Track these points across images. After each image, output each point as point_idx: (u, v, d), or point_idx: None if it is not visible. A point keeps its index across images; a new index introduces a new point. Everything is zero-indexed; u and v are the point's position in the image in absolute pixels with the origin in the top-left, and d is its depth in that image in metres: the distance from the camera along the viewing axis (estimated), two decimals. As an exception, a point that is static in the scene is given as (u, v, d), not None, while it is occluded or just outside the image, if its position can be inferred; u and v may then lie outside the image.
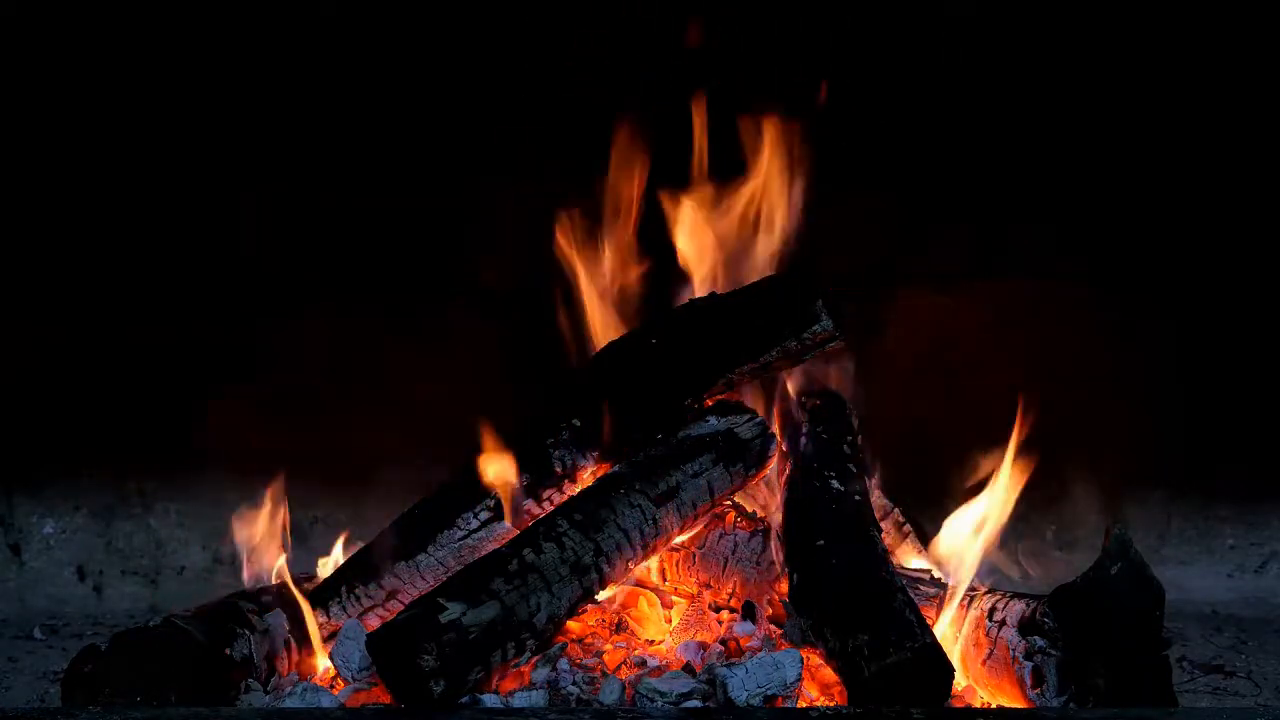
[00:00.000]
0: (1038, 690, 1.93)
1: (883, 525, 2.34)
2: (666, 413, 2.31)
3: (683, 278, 2.56)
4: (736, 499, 2.39)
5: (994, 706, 2.02)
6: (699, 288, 2.52)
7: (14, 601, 3.08)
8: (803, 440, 2.43)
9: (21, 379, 3.12)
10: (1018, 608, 2.04)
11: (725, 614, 2.28)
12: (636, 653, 2.14)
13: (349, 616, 2.22)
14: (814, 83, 2.72)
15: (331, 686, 2.11)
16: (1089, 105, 3.09)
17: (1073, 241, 3.14)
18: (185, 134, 3.07)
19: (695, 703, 1.93)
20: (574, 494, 2.24)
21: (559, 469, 2.29)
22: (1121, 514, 3.18)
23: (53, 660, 2.60)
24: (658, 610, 2.29)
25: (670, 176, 2.62)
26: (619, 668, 2.09)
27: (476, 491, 2.28)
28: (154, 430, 3.13)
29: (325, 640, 2.22)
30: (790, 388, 2.53)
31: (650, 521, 2.14)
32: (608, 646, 2.15)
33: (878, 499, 2.50)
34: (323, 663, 2.20)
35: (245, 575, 2.33)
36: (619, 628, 2.23)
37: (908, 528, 2.54)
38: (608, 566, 2.09)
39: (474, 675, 1.91)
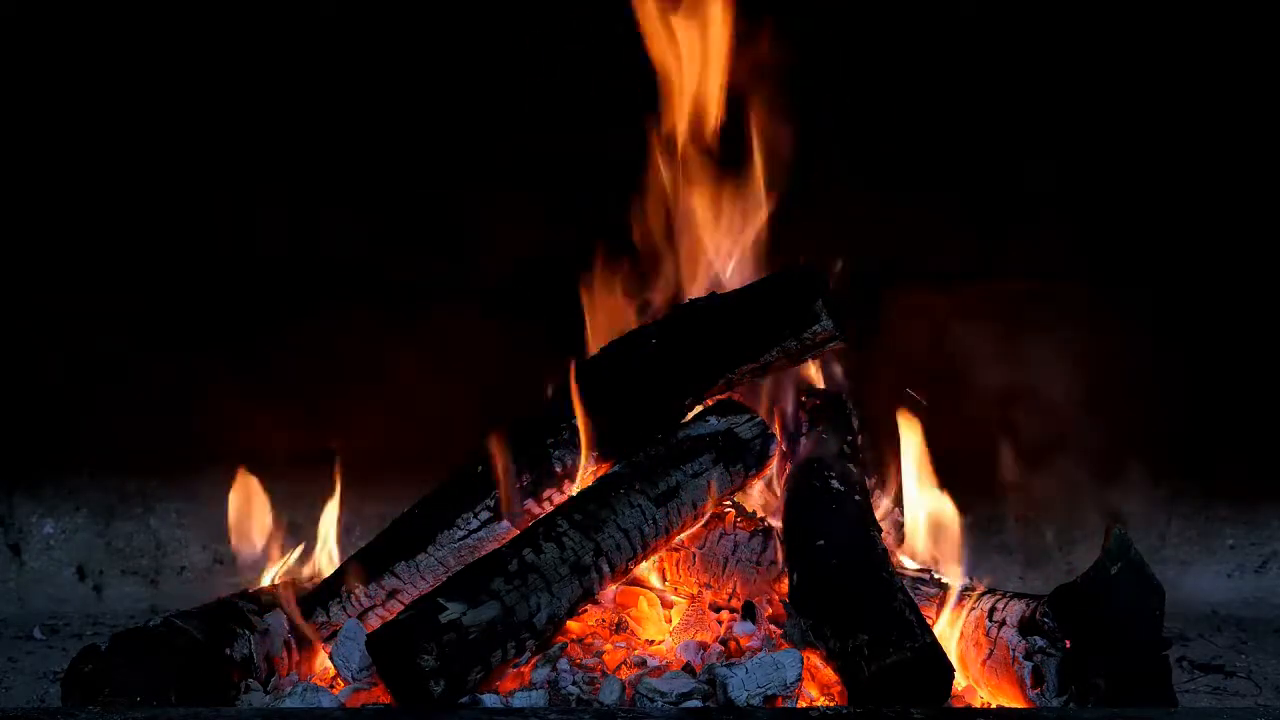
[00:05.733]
0: (1038, 690, 1.93)
1: (883, 525, 2.34)
2: (666, 413, 2.31)
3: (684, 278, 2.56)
4: (736, 499, 2.39)
5: (994, 706, 2.02)
6: (698, 287, 2.53)
7: (14, 601, 3.08)
8: (803, 440, 2.43)
9: (22, 378, 3.12)
10: (1018, 608, 2.04)
11: (725, 614, 2.28)
12: (636, 653, 2.14)
13: (349, 616, 2.22)
14: (815, 83, 2.72)
15: (331, 686, 2.11)
16: (1090, 105, 3.09)
17: (1073, 241, 3.15)
18: (187, 137, 3.07)
19: (695, 703, 1.93)
20: (574, 494, 2.24)
21: (559, 469, 2.29)
22: (1121, 514, 3.18)
23: (53, 660, 2.60)
24: (658, 610, 2.29)
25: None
26: (619, 668, 2.09)
27: (476, 491, 2.28)
28: (154, 430, 3.13)
29: (325, 640, 2.22)
30: (790, 388, 2.53)
31: (650, 521, 2.14)
32: (608, 646, 2.15)
33: (878, 499, 2.50)
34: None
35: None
36: (619, 628, 2.23)
37: (908, 528, 2.54)
38: (608, 566, 2.09)
39: (474, 675, 1.91)
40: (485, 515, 2.26)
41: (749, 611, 2.25)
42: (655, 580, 2.37)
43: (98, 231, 3.09)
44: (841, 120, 3.04)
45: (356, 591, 2.25)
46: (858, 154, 3.06)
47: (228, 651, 2.04)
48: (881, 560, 2.09)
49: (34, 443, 3.15)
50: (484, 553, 2.14)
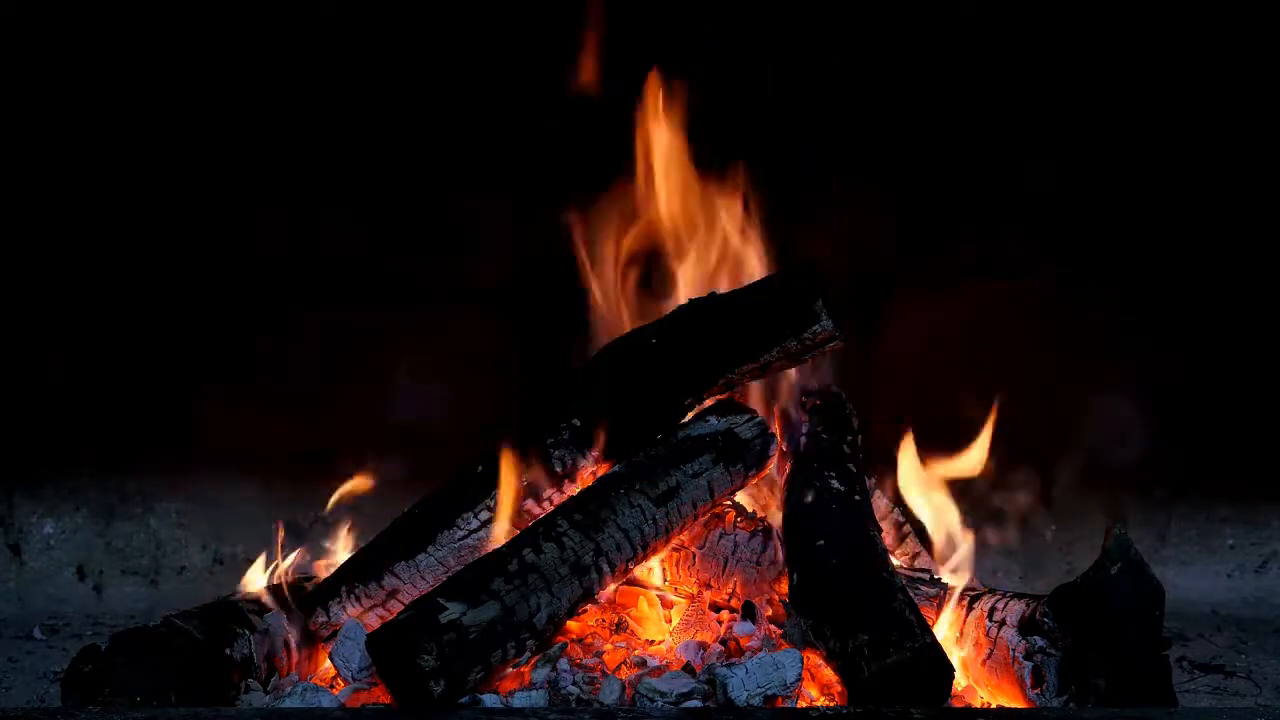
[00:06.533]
0: (1038, 690, 1.93)
1: (883, 525, 2.34)
2: (666, 413, 2.31)
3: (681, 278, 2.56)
4: (736, 499, 2.38)
5: (994, 706, 2.02)
6: (696, 288, 2.52)
7: (14, 601, 3.08)
8: (803, 440, 2.43)
9: (22, 379, 3.12)
10: (1018, 608, 2.04)
11: (725, 614, 2.28)
12: (636, 653, 2.14)
13: (349, 616, 2.22)
14: (816, 83, 2.72)
15: (331, 686, 2.11)
16: (1090, 106, 3.09)
17: (1072, 242, 3.15)
18: (187, 137, 3.07)
19: (695, 703, 1.93)
20: (574, 494, 2.24)
21: (559, 469, 2.29)
22: (1121, 514, 3.18)
23: (53, 660, 2.60)
24: (658, 610, 2.29)
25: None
26: (619, 668, 2.09)
27: (476, 491, 2.28)
28: (154, 430, 3.13)
29: (325, 640, 2.22)
30: (790, 388, 2.53)
31: (650, 521, 2.14)
32: (608, 646, 2.15)
33: (878, 499, 2.50)
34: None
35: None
36: (619, 628, 2.23)
37: (907, 528, 2.54)
38: (608, 566, 2.09)
39: (474, 675, 1.91)
40: (485, 515, 2.26)
41: (749, 611, 2.25)
42: (655, 580, 2.37)
43: (98, 231, 3.10)
44: (842, 120, 3.04)
45: (356, 591, 2.25)
46: (857, 154, 3.06)
47: (228, 651, 2.04)
48: (881, 560, 2.09)
49: (34, 443, 3.15)
50: (484, 553, 2.14)
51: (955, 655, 2.08)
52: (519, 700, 1.93)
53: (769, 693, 1.92)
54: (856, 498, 2.27)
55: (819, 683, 2.04)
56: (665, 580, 2.37)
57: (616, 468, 2.24)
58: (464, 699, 1.90)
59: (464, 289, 3.16)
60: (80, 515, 3.16)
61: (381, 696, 2.00)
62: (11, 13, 2.96)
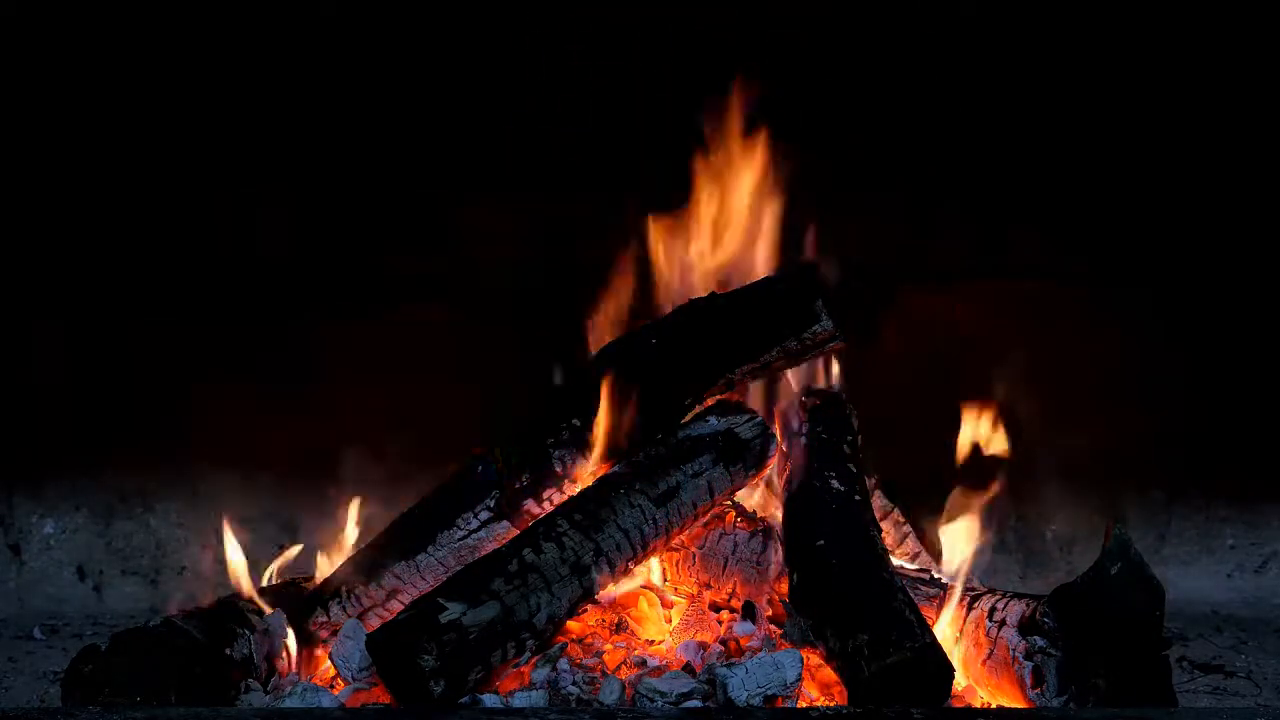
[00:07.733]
0: (1038, 690, 1.93)
1: (883, 525, 2.33)
2: (666, 413, 2.31)
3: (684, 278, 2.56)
4: (736, 499, 2.38)
5: (994, 706, 2.02)
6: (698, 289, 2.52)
7: (14, 601, 3.08)
8: (803, 440, 2.43)
9: (22, 379, 3.12)
10: (1018, 608, 2.04)
11: (725, 614, 2.28)
12: (636, 653, 2.14)
13: (349, 616, 2.22)
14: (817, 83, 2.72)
15: (331, 686, 2.11)
16: (1090, 105, 3.09)
17: (1073, 241, 3.15)
18: (188, 137, 3.07)
19: (695, 703, 1.93)
20: (574, 494, 2.24)
21: (559, 469, 2.29)
22: (1121, 514, 3.18)
23: (53, 660, 2.60)
24: (658, 610, 2.29)
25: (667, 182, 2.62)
26: (619, 668, 2.09)
27: (476, 491, 2.28)
28: (154, 430, 3.13)
29: (325, 640, 2.22)
30: (790, 388, 2.53)
31: (650, 521, 2.15)
32: (608, 646, 2.15)
33: (878, 499, 2.50)
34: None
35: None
36: (619, 628, 2.23)
37: (907, 528, 2.54)
38: (608, 566, 2.09)
39: (474, 675, 1.91)
40: (485, 515, 2.26)
41: (749, 611, 2.25)
42: (655, 580, 2.37)
43: (96, 230, 3.10)
44: (842, 120, 3.04)
45: (356, 591, 2.25)
46: (858, 154, 3.06)
47: (228, 651, 2.04)
48: (881, 560, 2.09)
49: (34, 443, 3.15)
50: (484, 553, 2.14)
51: (955, 655, 2.08)
52: (519, 700, 1.93)
53: (769, 693, 1.92)
54: (856, 498, 2.27)
55: (819, 683, 2.04)
56: (665, 580, 2.37)
57: (616, 468, 2.24)
58: (464, 699, 1.90)
59: (464, 289, 3.15)
60: (80, 515, 3.16)
61: (381, 696, 2.00)
62: (11, 12, 2.96)
